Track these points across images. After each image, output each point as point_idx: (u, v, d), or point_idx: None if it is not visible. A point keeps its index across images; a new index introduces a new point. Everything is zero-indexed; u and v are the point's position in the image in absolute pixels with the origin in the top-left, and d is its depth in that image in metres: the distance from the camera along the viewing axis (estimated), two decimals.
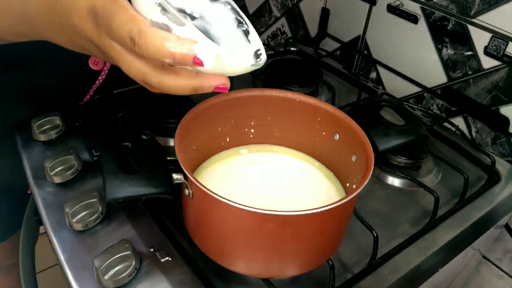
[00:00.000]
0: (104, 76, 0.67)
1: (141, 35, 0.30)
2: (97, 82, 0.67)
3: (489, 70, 0.69)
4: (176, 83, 0.33)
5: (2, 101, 0.62)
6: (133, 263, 0.44)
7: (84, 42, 0.36)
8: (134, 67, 0.33)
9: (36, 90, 0.63)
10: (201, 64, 0.31)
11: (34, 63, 0.61)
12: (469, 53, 0.71)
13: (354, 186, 0.48)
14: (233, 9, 0.35)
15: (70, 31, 0.35)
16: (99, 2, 0.32)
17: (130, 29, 0.30)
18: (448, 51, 0.74)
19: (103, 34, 0.33)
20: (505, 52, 0.66)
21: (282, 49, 0.93)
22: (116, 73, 0.68)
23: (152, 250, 0.47)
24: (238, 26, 0.35)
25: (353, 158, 0.48)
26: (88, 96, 0.68)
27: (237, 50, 0.34)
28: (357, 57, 0.92)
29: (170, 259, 0.46)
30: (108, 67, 0.67)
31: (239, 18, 0.35)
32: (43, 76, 0.63)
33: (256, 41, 0.35)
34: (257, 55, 0.34)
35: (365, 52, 0.89)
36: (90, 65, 0.65)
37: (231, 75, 0.34)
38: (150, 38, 0.30)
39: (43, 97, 0.64)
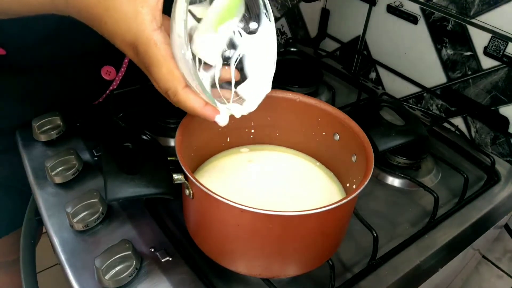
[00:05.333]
0: (115, 86, 0.67)
1: (176, 96, 0.37)
2: (107, 91, 0.68)
3: (488, 70, 0.70)
4: (187, 103, 0.38)
5: (9, 101, 0.62)
6: (134, 263, 0.44)
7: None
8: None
9: (44, 94, 0.64)
10: (216, 124, 0.39)
11: (46, 68, 0.61)
12: (469, 53, 0.71)
13: (354, 186, 0.48)
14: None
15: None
16: (141, 46, 0.36)
17: (168, 88, 0.37)
18: (447, 52, 0.74)
19: (142, 64, 0.38)
20: (505, 53, 0.66)
21: (282, 50, 0.93)
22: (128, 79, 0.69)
23: (152, 250, 0.47)
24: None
25: (353, 159, 0.48)
26: (96, 102, 0.69)
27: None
28: (357, 57, 0.92)
29: (170, 259, 0.47)
30: (120, 77, 0.67)
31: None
32: (54, 81, 0.63)
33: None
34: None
35: (365, 52, 0.90)
36: (103, 75, 0.66)
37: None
38: (183, 100, 0.37)
39: (50, 102, 0.65)
